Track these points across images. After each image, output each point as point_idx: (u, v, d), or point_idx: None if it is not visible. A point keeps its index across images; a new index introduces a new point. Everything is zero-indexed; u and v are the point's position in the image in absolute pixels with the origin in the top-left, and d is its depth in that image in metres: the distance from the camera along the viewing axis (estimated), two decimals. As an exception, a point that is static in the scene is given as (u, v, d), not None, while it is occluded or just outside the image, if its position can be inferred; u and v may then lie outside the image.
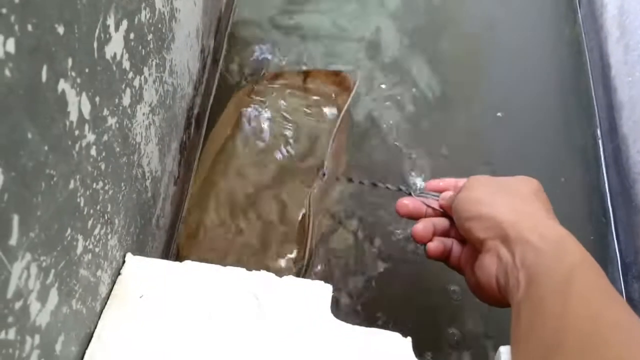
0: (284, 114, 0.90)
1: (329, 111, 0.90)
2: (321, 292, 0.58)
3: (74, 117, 0.40)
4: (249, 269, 0.59)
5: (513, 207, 0.50)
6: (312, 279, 0.59)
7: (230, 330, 0.53)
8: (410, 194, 0.67)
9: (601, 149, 0.97)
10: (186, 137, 0.83)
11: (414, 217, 0.65)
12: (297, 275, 0.77)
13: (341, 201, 0.86)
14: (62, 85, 0.37)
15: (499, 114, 1.00)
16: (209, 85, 0.97)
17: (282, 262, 0.77)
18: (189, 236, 0.80)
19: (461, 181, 0.64)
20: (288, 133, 0.88)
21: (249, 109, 0.90)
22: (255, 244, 0.78)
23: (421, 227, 0.62)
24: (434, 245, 0.61)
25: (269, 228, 0.80)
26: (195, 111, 0.87)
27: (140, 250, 0.64)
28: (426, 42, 1.08)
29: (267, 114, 0.89)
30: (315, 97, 0.92)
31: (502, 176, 0.58)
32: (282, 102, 0.92)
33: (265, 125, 0.88)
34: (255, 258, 0.77)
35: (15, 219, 0.33)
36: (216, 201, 0.82)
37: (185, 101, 0.79)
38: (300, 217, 0.79)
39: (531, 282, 0.43)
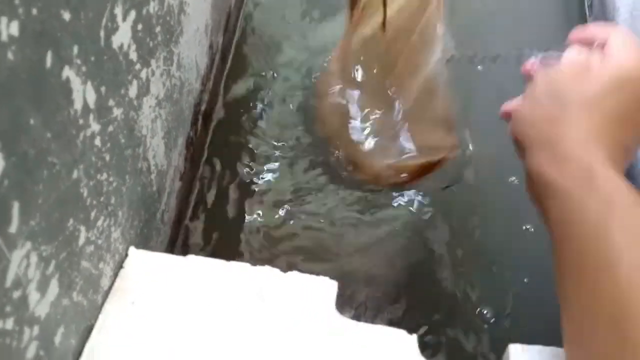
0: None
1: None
2: (326, 288, 0.57)
3: (78, 105, 0.39)
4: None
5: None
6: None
7: (233, 325, 0.53)
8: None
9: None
10: (193, 132, 0.82)
11: None
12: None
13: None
14: (67, 72, 0.37)
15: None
16: (217, 82, 0.97)
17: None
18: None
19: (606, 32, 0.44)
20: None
21: None
22: None
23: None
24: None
25: None
26: (203, 107, 0.87)
27: (144, 244, 0.64)
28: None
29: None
30: None
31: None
32: None
33: None
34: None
35: (16, 207, 0.32)
36: None
37: (193, 96, 0.79)
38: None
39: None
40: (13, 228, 0.32)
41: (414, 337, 0.54)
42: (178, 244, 0.82)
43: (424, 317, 0.78)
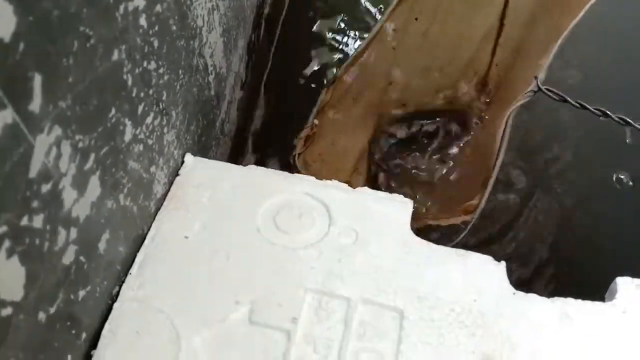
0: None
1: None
2: (400, 206, 0.50)
3: (115, -33, 0.32)
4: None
5: None
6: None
7: (296, 239, 0.47)
8: None
9: None
10: (255, 37, 0.75)
11: None
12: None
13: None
14: None
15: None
16: (282, -16, 0.88)
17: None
18: None
19: None
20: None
21: None
22: None
23: None
24: None
25: None
26: (266, 10, 0.79)
27: (203, 154, 0.58)
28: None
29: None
30: None
31: None
32: None
33: None
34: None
35: (37, 80, 0.26)
36: None
37: (255, -6, 0.71)
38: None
39: None
40: (35, 106, 0.26)
41: (502, 265, 0.47)
42: (239, 159, 0.77)
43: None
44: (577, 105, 0.55)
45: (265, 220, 0.48)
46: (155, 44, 0.40)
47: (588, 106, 0.55)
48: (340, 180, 0.68)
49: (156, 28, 0.40)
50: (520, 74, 0.68)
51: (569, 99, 0.55)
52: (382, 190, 0.74)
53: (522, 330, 0.43)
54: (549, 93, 0.56)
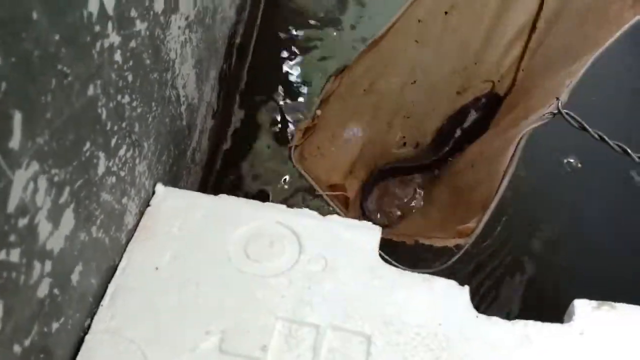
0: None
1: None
2: (368, 233, 0.52)
3: (93, 7, 0.33)
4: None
5: None
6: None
7: (267, 268, 0.48)
8: None
9: None
10: (227, 67, 0.76)
11: None
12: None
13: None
14: (78, -36, 0.31)
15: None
16: (254, 14, 0.90)
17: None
18: None
19: None
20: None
21: None
22: None
23: None
24: None
25: None
26: (238, 40, 0.81)
27: (173, 183, 0.59)
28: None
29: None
30: None
31: None
32: None
33: None
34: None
35: (17, 118, 0.27)
36: None
37: (227, 25, 0.72)
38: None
39: None
40: (15, 143, 0.27)
41: (466, 289, 0.49)
42: (209, 188, 0.78)
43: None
44: (597, 137, 0.52)
45: (236, 249, 0.49)
46: (130, 78, 0.41)
47: (608, 140, 0.52)
48: (334, 182, 0.69)
49: (130, 63, 0.41)
50: (542, 87, 0.65)
51: (589, 128, 0.53)
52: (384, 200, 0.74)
53: (484, 353, 0.45)
54: (568, 118, 0.53)
